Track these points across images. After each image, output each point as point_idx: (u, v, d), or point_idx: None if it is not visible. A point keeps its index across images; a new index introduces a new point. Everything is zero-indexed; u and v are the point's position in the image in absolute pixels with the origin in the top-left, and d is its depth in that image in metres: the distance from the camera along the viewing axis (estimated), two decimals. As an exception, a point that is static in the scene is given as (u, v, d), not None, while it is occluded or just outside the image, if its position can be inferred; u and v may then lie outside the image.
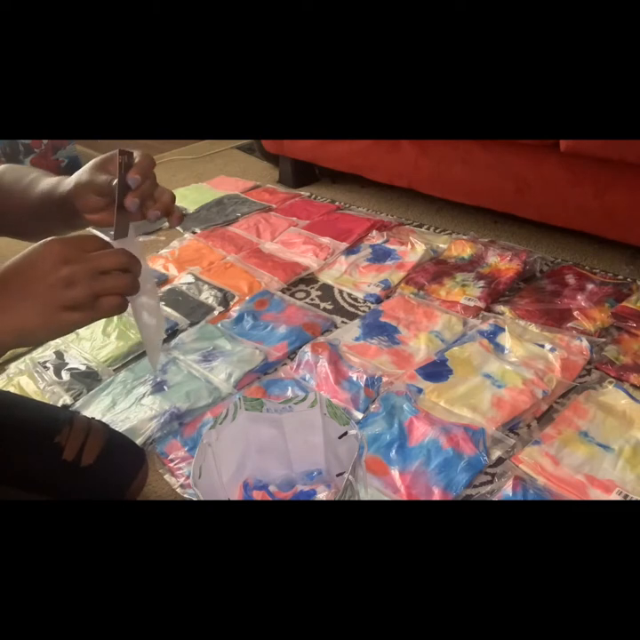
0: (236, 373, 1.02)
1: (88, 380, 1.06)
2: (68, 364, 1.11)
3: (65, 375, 1.08)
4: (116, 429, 0.82)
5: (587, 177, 1.13)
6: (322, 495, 0.75)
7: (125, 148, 0.54)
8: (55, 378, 1.07)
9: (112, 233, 0.54)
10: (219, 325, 1.17)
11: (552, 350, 0.98)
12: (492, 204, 1.36)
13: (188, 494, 0.82)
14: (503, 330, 1.04)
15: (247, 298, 1.25)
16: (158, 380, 1.02)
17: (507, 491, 0.75)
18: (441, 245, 1.36)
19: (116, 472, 0.76)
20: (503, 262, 1.23)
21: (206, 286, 1.30)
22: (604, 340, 1.00)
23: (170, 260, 1.43)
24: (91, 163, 0.59)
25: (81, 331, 1.20)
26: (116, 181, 0.54)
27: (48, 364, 1.11)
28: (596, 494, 0.75)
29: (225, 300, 1.25)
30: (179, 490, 0.84)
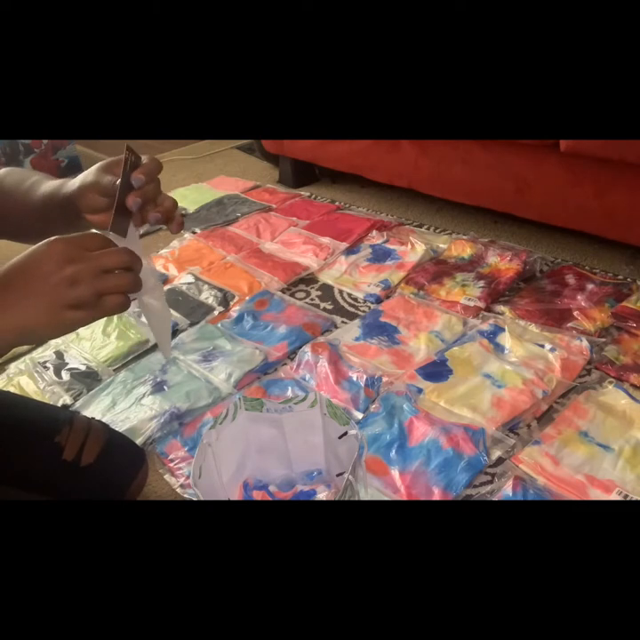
0: (236, 373, 1.02)
1: (88, 380, 1.06)
2: (68, 363, 1.11)
3: (65, 375, 1.08)
4: (116, 429, 0.82)
5: (587, 177, 1.13)
6: (322, 495, 0.75)
7: (134, 149, 0.55)
8: (55, 378, 1.07)
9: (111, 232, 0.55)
10: (219, 325, 1.17)
11: (552, 350, 0.98)
12: (491, 204, 1.36)
13: (188, 494, 0.82)
14: (503, 330, 1.04)
15: (247, 298, 1.25)
16: (158, 380, 1.02)
17: (507, 491, 0.75)
18: (441, 245, 1.36)
19: (115, 472, 0.76)
20: (503, 262, 1.23)
21: (206, 286, 1.30)
22: (604, 339, 1.00)
23: (170, 260, 1.43)
24: (97, 165, 0.59)
25: (81, 330, 1.20)
26: (119, 180, 0.54)
27: (48, 364, 1.11)
28: (596, 494, 0.75)
29: (225, 300, 1.25)
30: (179, 490, 0.84)
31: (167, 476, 0.86)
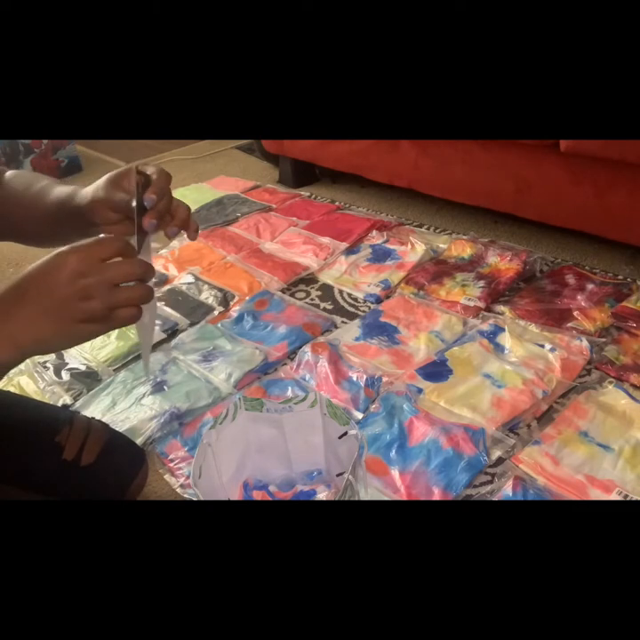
0: (236, 373, 1.02)
1: (88, 380, 1.06)
2: (67, 363, 1.11)
3: (65, 375, 1.08)
4: (116, 429, 0.82)
5: (587, 177, 1.13)
6: (322, 495, 0.75)
7: (141, 167, 0.56)
8: (55, 378, 1.07)
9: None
10: (219, 325, 1.17)
11: (552, 350, 0.98)
12: (491, 204, 1.36)
13: (188, 494, 0.82)
14: (503, 330, 1.04)
15: (247, 298, 1.25)
16: (158, 380, 1.02)
17: (507, 491, 0.75)
18: (441, 245, 1.36)
19: (115, 472, 0.76)
20: (503, 262, 1.23)
21: (206, 286, 1.30)
22: (604, 339, 1.00)
23: (170, 259, 1.43)
24: (106, 178, 0.60)
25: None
26: (134, 203, 0.55)
27: (48, 364, 1.11)
28: (596, 494, 0.75)
29: (225, 300, 1.25)
30: (179, 490, 0.84)
31: (167, 476, 0.86)
